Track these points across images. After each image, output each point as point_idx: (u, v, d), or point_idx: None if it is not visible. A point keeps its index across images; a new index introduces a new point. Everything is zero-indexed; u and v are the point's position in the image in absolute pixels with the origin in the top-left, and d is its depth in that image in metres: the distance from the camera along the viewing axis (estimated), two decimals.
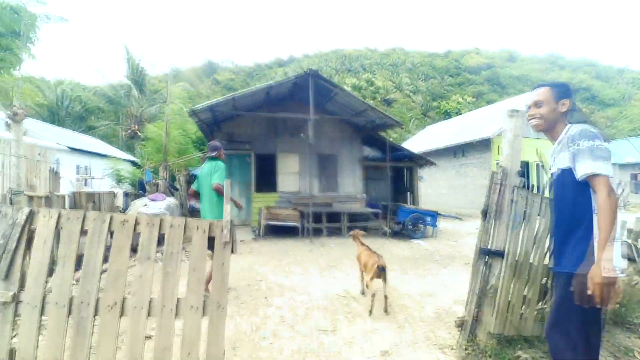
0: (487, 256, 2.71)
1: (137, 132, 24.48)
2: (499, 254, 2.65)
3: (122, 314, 2.19)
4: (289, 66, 61.76)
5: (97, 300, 2.16)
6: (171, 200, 8.76)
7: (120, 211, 7.96)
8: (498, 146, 15.48)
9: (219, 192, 3.85)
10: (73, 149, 16.65)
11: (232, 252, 2.42)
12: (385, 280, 3.71)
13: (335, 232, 9.46)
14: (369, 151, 11.31)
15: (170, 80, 19.32)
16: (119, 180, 15.10)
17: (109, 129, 27.38)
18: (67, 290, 2.15)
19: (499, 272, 2.65)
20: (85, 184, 14.92)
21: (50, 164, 9.21)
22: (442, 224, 10.41)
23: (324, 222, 8.98)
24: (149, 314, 2.18)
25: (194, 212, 13.77)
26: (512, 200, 2.65)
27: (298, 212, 8.95)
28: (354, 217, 9.69)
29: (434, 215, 9.37)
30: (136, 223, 2.27)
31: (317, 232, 9.12)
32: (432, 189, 19.20)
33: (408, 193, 12.32)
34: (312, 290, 4.52)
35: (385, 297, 3.71)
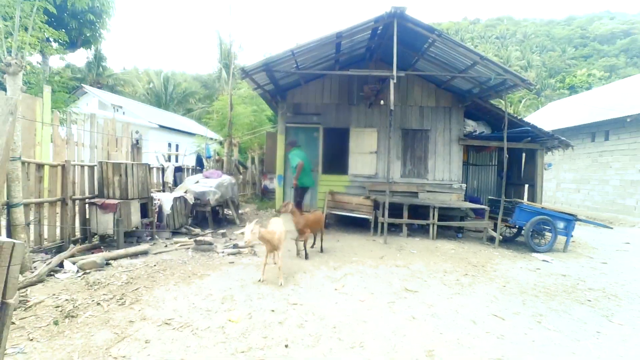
0: None
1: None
2: None
3: None
4: None
5: None
6: (226, 178, 7.70)
7: (170, 187, 7.18)
8: None
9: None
10: (163, 127, 17.56)
11: None
12: None
13: (418, 232, 7.22)
14: (472, 126, 8.47)
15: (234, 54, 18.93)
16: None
17: (203, 110, 29.06)
18: None
19: None
20: (169, 160, 15.40)
21: (132, 139, 8.95)
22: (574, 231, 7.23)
23: (405, 216, 6.82)
24: None
25: (267, 193, 12.95)
26: None
27: (371, 201, 6.98)
28: (447, 213, 7.26)
29: (571, 219, 6.36)
30: None
31: (394, 230, 7.03)
32: (548, 181, 14.83)
33: (525, 186, 9.09)
34: (368, 339, 2.62)
35: None
